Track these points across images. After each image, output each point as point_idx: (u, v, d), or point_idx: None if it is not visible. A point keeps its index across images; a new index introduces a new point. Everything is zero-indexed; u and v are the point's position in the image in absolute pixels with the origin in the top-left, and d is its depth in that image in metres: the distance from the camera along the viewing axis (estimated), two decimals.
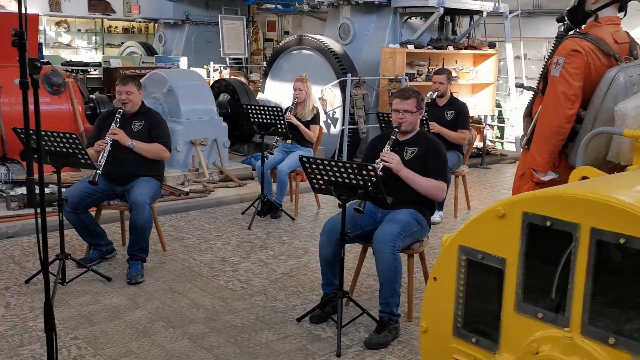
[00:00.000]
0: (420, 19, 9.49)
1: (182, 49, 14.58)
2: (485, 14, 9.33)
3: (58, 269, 4.27)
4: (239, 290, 4.44)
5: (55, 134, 4.05)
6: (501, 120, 10.96)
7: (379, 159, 3.94)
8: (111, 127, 4.65)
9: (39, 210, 2.46)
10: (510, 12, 9.81)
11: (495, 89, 10.03)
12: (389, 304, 3.72)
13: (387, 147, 4.02)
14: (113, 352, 3.49)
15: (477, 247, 1.95)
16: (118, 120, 4.70)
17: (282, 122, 5.87)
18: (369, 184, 3.53)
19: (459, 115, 6.39)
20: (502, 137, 11.01)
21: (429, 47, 8.91)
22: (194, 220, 6.18)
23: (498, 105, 10.62)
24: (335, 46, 8.82)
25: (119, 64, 12.02)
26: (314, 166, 3.65)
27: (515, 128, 10.70)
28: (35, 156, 4.12)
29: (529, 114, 3.13)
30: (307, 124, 6.44)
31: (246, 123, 6.07)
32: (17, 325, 3.78)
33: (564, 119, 2.91)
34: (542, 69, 3.14)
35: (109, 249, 4.90)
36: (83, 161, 4.14)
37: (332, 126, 8.72)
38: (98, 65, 11.49)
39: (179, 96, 7.44)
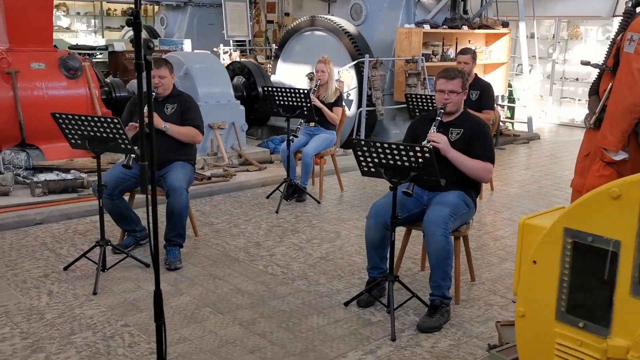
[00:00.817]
0: None
1: (184, 31, 14.42)
2: None
3: (99, 255, 4.20)
4: (280, 275, 4.41)
5: (96, 119, 3.97)
6: (511, 100, 10.91)
7: (426, 140, 3.89)
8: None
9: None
10: None
11: (508, 68, 9.98)
12: (440, 287, 3.70)
13: (433, 129, 3.97)
14: (167, 338, 3.44)
15: (586, 229, 1.91)
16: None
17: (309, 104, 5.80)
18: (422, 166, 3.49)
19: (483, 96, 6.35)
20: (512, 117, 10.97)
21: (444, 26, 8.83)
22: (219, 204, 6.13)
23: (509, 86, 10.57)
24: (350, 27, 8.72)
25: (123, 47, 11.86)
26: (364, 149, 3.60)
27: (527, 108, 10.67)
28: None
29: (595, 92, 3.08)
30: (330, 106, 6.37)
31: (271, 106, 5.98)
32: (65, 313, 3.73)
33: (639, 97, 2.86)
34: (609, 46, 3.08)
35: (144, 234, 4.84)
36: (123, 146, 4.06)
37: (346, 108, 8.64)
38: (105, 48, 11.32)
39: (196, 79, 7.34)
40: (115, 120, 3.95)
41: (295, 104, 5.84)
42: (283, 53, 9.64)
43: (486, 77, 9.97)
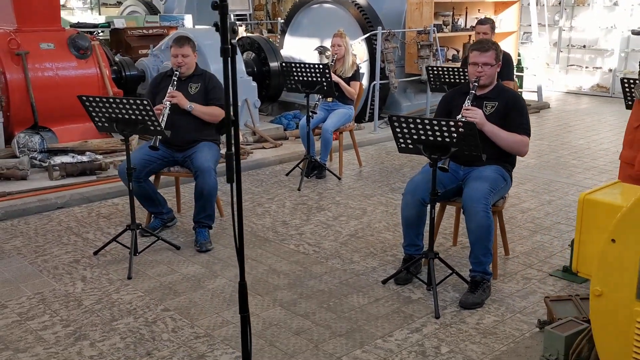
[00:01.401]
0: None
1: (184, 6, 14.17)
2: None
3: (132, 239, 4.15)
4: (312, 254, 4.37)
5: (125, 101, 3.88)
6: (520, 69, 10.81)
7: (461, 115, 3.82)
8: (169, 90, 4.47)
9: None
10: None
11: (519, 37, 9.87)
12: (481, 262, 3.66)
13: (467, 102, 3.90)
14: (209, 322, 3.42)
15: None
16: (175, 83, 4.52)
17: (329, 79, 5.71)
18: (464, 141, 3.42)
19: (504, 66, 6.20)
20: (520, 86, 10.88)
21: None
22: None
23: (517, 55, 10.46)
24: None
25: (123, 24, 11.65)
26: (403, 125, 3.53)
27: (536, 77, 10.58)
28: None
29: None
30: (347, 81, 6.27)
31: (289, 82, 5.88)
32: (102, 298, 3.68)
33: None
34: None
35: (170, 216, 4.79)
36: (152, 128, 3.98)
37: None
38: (107, 26, 11.12)
39: (208, 56, 7.22)
40: (145, 102, 3.86)
41: (314, 79, 5.75)
42: (290, 27, 9.50)
43: None
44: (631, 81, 4.96)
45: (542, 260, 4.25)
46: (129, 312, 3.53)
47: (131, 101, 3.88)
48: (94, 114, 4.02)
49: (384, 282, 3.91)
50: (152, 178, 4.70)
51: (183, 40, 4.61)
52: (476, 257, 3.67)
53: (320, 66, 5.70)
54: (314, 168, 6.18)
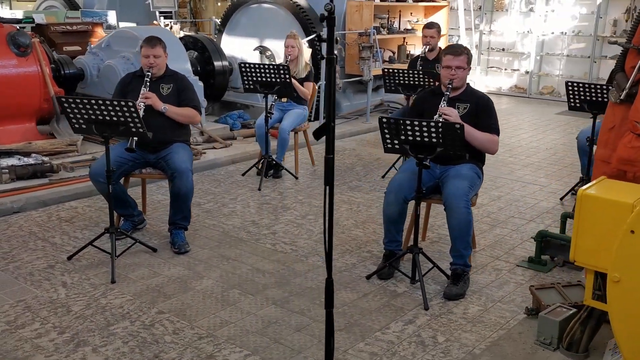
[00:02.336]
0: None
1: (106, 2, 13.76)
2: None
3: (112, 243, 4.07)
4: (290, 252, 4.44)
5: (108, 102, 3.81)
6: None
7: (437, 115, 4.01)
8: (142, 92, 4.42)
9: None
10: None
11: (447, 40, 10.29)
12: (462, 256, 3.88)
13: (443, 103, 4.10)
14: (209, 323, 3.44)
15: None
16: (148, 84, 4.47)
17: (288, 80, 5.79)
18: (451, 141, 3.62)
19: None
20: None
21: (393, 0, 8.97)
22: (197, 184, 5.99)
23: None
24: (300, 0, 8.68)
25: (42, 19, 11.18)
26: (392, 126, 3.68)
27: None
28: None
29: (621, 69, 3.30)
30: (300, 82, 6.37)
31: (247, 82, 5.91)
32: (91, 304, 3.61)
33: None
34: (632, 25, 3.30)
35: (140, 218, 4.73)
36: (135, 129, 3.92)
37: None
38: (31, 22, 10.64)
39: None
40: (131, 104, 3.81)
41: (273, 80, 5.81)
42: (228, 26, 9.47)
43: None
44: (574, 84, 5.35)
45: (506, 252, 4.54)
46: (123, 316, 3.48)
47: (115, 102, 3.82)
48: (71, 115, 3.91)
49: (368, 277, 4.05)
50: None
51: (155, 41, 4.56)
52: (457, 250, 3.88)
53: (280, 67, 5.77)
54: (269, 167, 6.24)
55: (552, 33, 11.71)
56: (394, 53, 9.32)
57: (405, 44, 9.49)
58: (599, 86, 5.23)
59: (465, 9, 11.95)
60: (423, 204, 4.37)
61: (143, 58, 4.54)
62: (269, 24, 8.96)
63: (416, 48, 9.94)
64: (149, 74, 4.49)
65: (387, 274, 4.06)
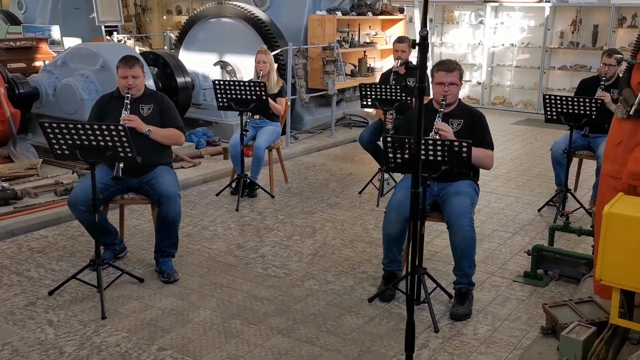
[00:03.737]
0: None
1: (48, 17, 13.24)
2: None
3: (97, 276, 3.82)
4: (284, 276, 4.29)
5: (96, 127, 3.57)
6: None
7: (433, 132, 3.96)
8: (123, 114, 4.18)
9: None
10: None
11: None
12: (467, 274, 3.82)
13: (438, 119, 4.05)
14: (215, 358, 3.24)
15: None
16: (128, 106, 4.24)
17: (264, 97, 5.64)
18: (456, 160, 3.56)
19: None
20: None
21: (353, 13, 8.94)
22: None
23: None
24: (260, 14, 8.55)
25: None
26: (396, 144, 3.60)
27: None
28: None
29: (627, 84, 3.32)
30: (273, 98, 6.22)
31: (221, 100, 5.72)
32: (84, 344, 3.36)
33: None
34: (636, 42, 3.32)
35: (121, 247, 4.48)
36: (123, 154, 3.69)
37: None
38: None
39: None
40: (121, 128, 3.58)
41: (249, 97, 5.65)
42: (185, 41, 9.23)
43: (382, 62, 10.28)
44: (552, 97, 5.41)
45: (500, 268, 4.51)
46: (122, 355, 3.25)
47: (104, 127, 3.58)
48: (54, 140, 3.65)
49: (370, 300, 3.94)
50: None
51: (133, 61, 4.33)
52: (462, 269, 3.82)
53: (256, 84, 5.62)
54: (244, 187, 6.06)
55: (502, 45, 11.96)
56: (355, 66, 9.29)
57: (365, 57, 9.48)
58: (575, 99, 5.30)
59: (411, 22, 12.07)
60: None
61: (120, 79, 4.31)
62: (229, 39, 8.78)
63: (376, 61, 9.96)
64: (129, 95, 4.26)
65: (389, 296, 3.96)
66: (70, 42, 11.68)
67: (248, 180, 6.01)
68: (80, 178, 5.90)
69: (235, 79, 7.31)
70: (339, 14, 8.54)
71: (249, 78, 6.44)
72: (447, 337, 3.52)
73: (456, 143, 3.52)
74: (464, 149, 3.52)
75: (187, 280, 4.19)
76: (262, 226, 5.28)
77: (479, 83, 12.32)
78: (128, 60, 4.32)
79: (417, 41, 1.90)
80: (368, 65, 9.50)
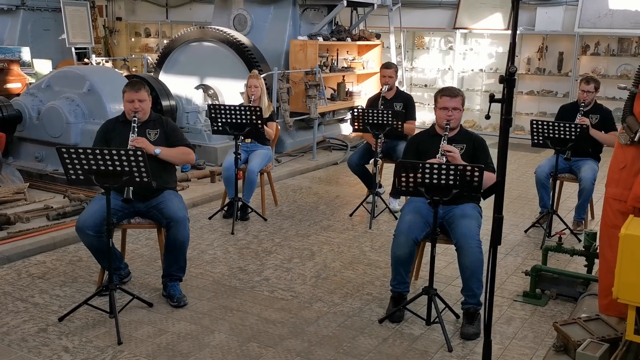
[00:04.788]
0: (318, 10, 9.62)
1: (17, 38, 13.06)
2: (375, 6, 9.75)
3: (110, 301, 3.81)
4: (291, 299, 4.33)
5: (115, 152, 3.59)
6: None
7: (440, 154, 4.08)
8: (131, 138, 4.20)
9: None
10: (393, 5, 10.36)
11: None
12: (476, 295, 3.94)
13: (444, 142, 4.18)
14: None
15: None
16: (136, 130, 4.26)
17: (260, 121, 5.71)
18: (467, 184, 3.68)
19: (407, 107, 6.71)
20: None
21: (334, 39, 9.11)
22: None
23: None
24: (243, 38, 8.64)
25: None
26: (409, 170, 3.71)
27: None
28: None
29: (630, 112, 3.51)
30: (264, 122, 6.29)
31: (216, 124, 5.77)
32: None
33: None
34: (637, 72, 3.52)
35: (127, 272, 4.46)
36: (139, 179, 3.71)
37: None
38: None
39: (103, 95, 6.79)
40: (139, 153, 3.61)
41: (243, 121, 5.71)
42: (166, 64, 9.24)
43: (360, 86, 10.47)
44: (539, 122, 5.63)
45: (499, 288, 4.65)
46: None
47: (122, 152, 3.60)
48: (70, 166, 3.65)
49: (381, 321, 4.02)
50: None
51: (139, 85, 4.36)
52: (471, 290, 3.93)
53: (254, 108, 5.69)
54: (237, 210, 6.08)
55: (472, 70, 12.31)
56: (334, 90, 9.44)
57: (344, 81, 9.64)
58: (561, 124, 5.52)
59: (386, 47, 12.34)
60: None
61: (127, 103, 4.32)
62: (211, 63, 8.83)
63: (354, 85, 10.13)
64: (135, 119, 4.28)
65: (398, 317, 4.04)
66: (40, 64, 11.57)
67: (240, 203, 6.05)
68: (78, 203, 5.84)
69: (230, 103, 7.33)
70: (320, 39, 8.69)
71: (232, 102, 6.49)
72: (461, 356, 3.62)
73: (469, 168, 3.65)
74: (476, 174, 3.65)
75: (196, 304, 4.20)
76: (261, 249, 5.32)
77: None
78: (134, 85, 4.35)
79: (505, 76, 2.00)
80: (347, 90, 9.67)
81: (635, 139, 3.39)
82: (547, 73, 11.60)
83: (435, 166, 3.66)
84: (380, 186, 6.83)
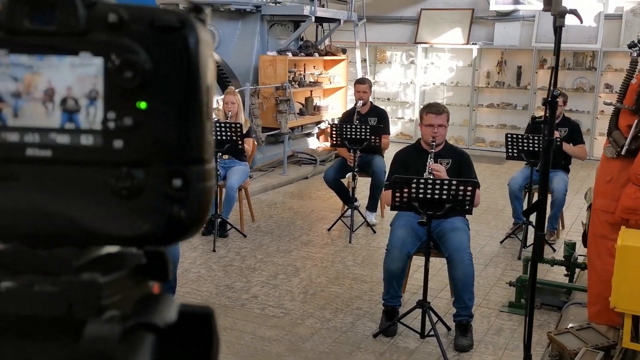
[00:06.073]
0: (285, 26, 9.66)
1: None
2: (342, 21, 9.86)
3: None
4: (282, 316, 4.33)
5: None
6: None
7: (427, 172, 4.17)
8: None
9: None
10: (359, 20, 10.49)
11: (346, 92, 10.66)
12: (468, 307, 4.01)
13: (430, 160, 4.27)
14: None
15: None
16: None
17: (240, 138, 5.70)
18: (459, 199, 3.77)
19: (381, 121, 6.80)
20: None
21: (302, 54, 9.16)
22: None
23: None
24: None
25: None
26: (404, 185, 3.77)
27: None
28: None
29: (615, 127, 3.64)
30: (241, 138, 6.28)
31: None
32: None
33: None
34: (621, 87, 3.66)
35: None
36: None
37: None
38: None
39: None
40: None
41: (224, 138, 5.69)
42: None
43: (326, 101, 10.55)
44: (513, 136, 5.79)
45: (484, 299, 4.75)
46: None
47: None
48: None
49: (375, 335, 4.05)
50: None
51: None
52: (463, 301, 4.01)
53: (235, 125, 5.68)
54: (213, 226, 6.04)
55: (433, 84, 12.54)
56: (303, 105, 9.48)
57: (311, 96, 9.70)
58: (535, 137, 5.69)
59: (350, 61, 12.48)
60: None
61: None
62: None
63: (321, 100, 10.20)
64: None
65: (392, 331, 4.08)
66: None
67: (220, 220, 6.01)
68: None
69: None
70: (289, 54, 8.73)
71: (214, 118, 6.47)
72: None
73: (462, 183, 3.73)
74: (469, 189, 3.73)
75: None
76: (244, 266, 5.29)
77: (411, 120, 12.81)
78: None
79: (549, 99, 2.06)
80: (314, 104, 9.73)
81: (622, 152, 3.53)
82: (506, 86, 11.92)
83: (430, 181, 3.73)
84: (356, 200, 6.89)
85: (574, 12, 2.34)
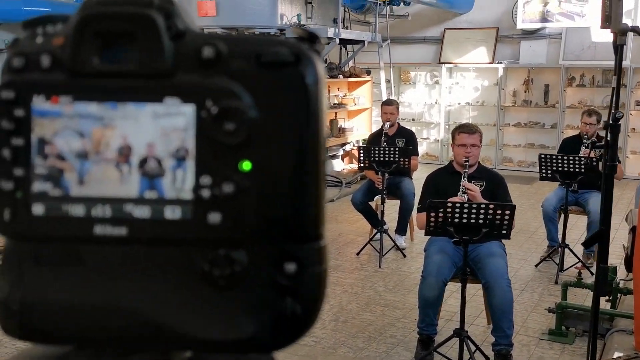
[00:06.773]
0: None
1: None
2: (366, 43, 9.80)
3: None
4: (313, 344, 4.19)
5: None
6: None
7: (461, 192, 4.04)
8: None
9: None
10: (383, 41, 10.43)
11: (371, 113, 10.57)
12: (507, 335, 3.85)
13: (464, 180, 4.13)
14: None
15: None
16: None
17: None
18: (497, 222, 3.62)
19: (410, 143, 6.68)
20: None
21: (326, 76, 9.12)
22: None
23: None
24: None
25: None
26: (439, 209, 3.64)
27: None
28: None
29: None
30: None
31: None
32: None
33: None
34: None
35: None
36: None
37: None
38: None
39: None
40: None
41: None
42: None
43: (351, 122, 10.47)
44: (547, 156, 5.64)
45: (522, 326, 4.56)
46: None
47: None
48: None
49: None
50: None
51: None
52: (502, 330, 3.84)
53: None
54: None
55: (458, 104, 12.39)
56: (327, 127, 9.41)
57: (336, 117, 9.63)
58: (569, 158, 5.53)
59: (374, 82, 12.41)
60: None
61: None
62: None
63: (346, 122, 10.12)
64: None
65: None
66: None
67: None
68: None
69: None
70: None
71: None
72: None
73: (499, 207, 3.59)
74: (507, 213, 3.59)
75: None
76: None
77: (437, 140, 12.67)
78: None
79: (609, 122, 1.95)
80: (339, 126, 9.65)
81: None
82: (533, 105, 11.74)
83: (466, 205, 3.60)
84: (384, 223, 6.75)
85: (635, 29, 2.21)
